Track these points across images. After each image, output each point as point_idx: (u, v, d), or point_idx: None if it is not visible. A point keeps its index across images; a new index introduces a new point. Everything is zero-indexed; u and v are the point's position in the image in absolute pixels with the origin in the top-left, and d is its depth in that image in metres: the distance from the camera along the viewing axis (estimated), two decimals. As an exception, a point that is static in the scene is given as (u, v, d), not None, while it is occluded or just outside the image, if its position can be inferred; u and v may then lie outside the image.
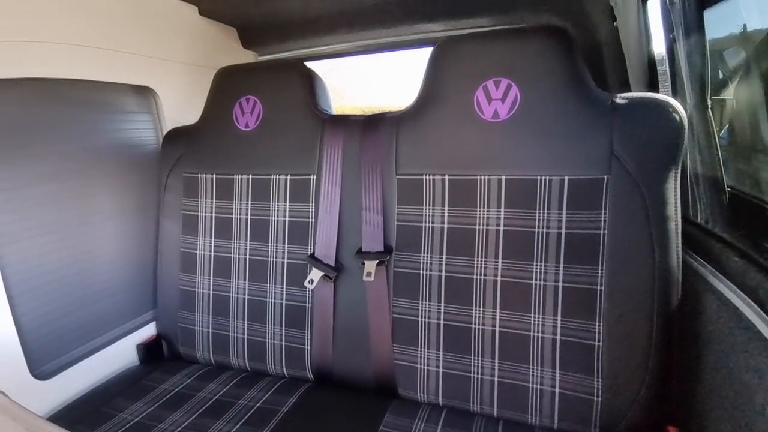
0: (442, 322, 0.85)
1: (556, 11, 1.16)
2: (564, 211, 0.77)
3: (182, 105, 1.26)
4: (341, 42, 1.52)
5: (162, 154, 1.13)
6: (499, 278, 0.81)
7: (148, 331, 1.16)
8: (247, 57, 1.54)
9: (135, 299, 1.14)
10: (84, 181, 1.00)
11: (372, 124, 0.95)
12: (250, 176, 1.02)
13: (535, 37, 0.81)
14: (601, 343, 0.75)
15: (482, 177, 0.82)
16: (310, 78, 1.03)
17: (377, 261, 0.88)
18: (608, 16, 1.03)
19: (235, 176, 1.03)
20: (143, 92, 1.16)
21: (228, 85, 1.06)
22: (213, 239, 1.05)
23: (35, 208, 0.90)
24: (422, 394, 0.88)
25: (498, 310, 0.82)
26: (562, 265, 0.77)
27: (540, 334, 0.79)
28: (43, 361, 0.91)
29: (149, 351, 1.11)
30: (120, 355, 1.08)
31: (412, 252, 0.88)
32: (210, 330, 1.05)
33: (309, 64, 1.09)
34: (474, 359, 0.83)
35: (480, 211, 0.83)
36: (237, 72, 1.08)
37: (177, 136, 1.12)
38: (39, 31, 0.88)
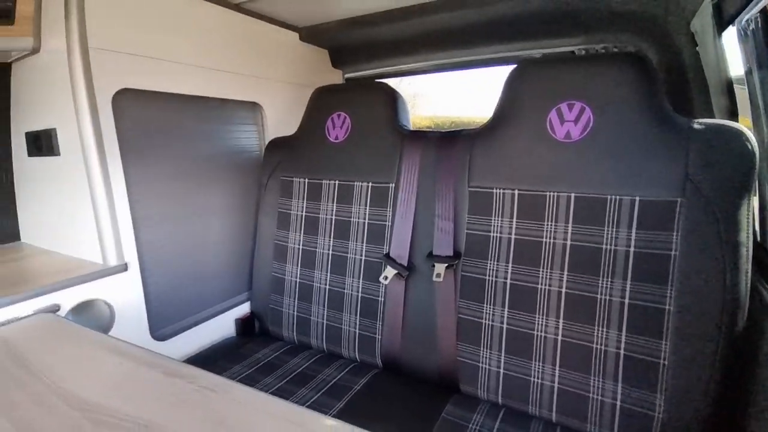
0: (505, 326, 0.92)
1: (638, 33, 1.17)
2: (633, 231, 0.81)
3: (280, 117, 1.46)
4: (422, 61, 1.65)
5: (264, 160, 1.33)
6: (563, 290, 0.87)
7: (244, 309, 1.36)
8: (335, 74, 1.73)
9: (234, 281, 1.34)
10: (200, 180, 1.22)
11: (448, 139, 1.05)
12: (337, 182, 1.17)
13: (612, 64, 0.85)
14: (665, 361, 0.77)
15: (551, 193, 0.88)
16: (394, 98, 1.16)
17: (447, 264, 0.98)
18: (690, 40, 1.03)
19: (323, 181, 1.19)
20: (252, 107, 1.37)
21: (323, 102, 1.23)
22: (302, 235, 1.21)
23: (164, 199, 1.12)
24: (482, 391, 0.95)
25: (561, 320, 0.87)
26: (629, 282, 0.81)
27: (603, 347, 0.83)
28: (160, 326, 1.12)
29: (244, 325, 1.31)
30: (221, 326, 1.29)
31: (480, 258, 0.96)
32: (295, 313, 1.21)
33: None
34: (535, 364, 0.89)
35: (547, 225, 0.88)
36: (331, 91, 1.24)
37: (277, 145, 1.31)
38: (179, 53, 1.11)
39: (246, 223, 1.36)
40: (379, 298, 1.08)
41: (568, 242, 0.86)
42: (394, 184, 1.09)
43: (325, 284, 1.17)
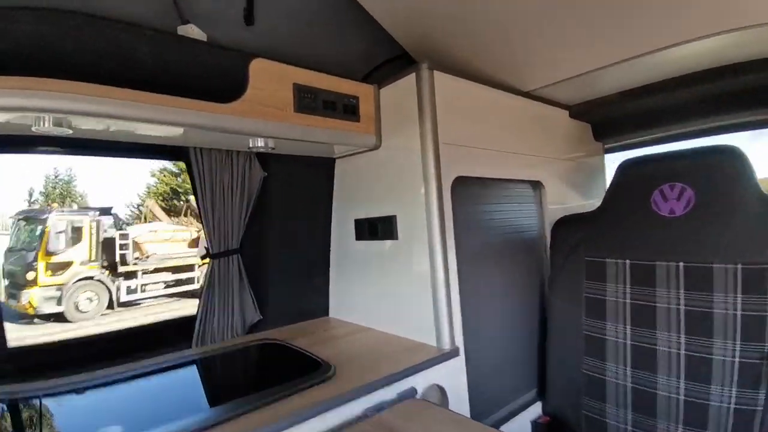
0: None
1: None
2: None
3: (554, 193, 1.38)
4: (681, 129, 1.49)
5: (554, 239, 1.23)
6: None
7: (535, 409, 1.19)
8: (596, 146, 1.63)
9: (523, 374, 1.20)
10: (496, 262, 1.18)
11: None
12: (681, 264, 0.97)
13: None
14: None
15: None
16: (747, 162, 0.95)
17: None
18: None
19: (657, 263, 1.00)
20: (534, 185, 1.34)
21: (639, 174, 1.09)
22: (629, 326, 1.02)
23: (478, 279, 1.10)
24: None
25: None
26: None
27: None
28: (478, 418, 1.02)
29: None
30: (516, 429, 1.13)
31: None
32: (629, 427, 0.98)
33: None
34: None
35: None
36: (652, 161, 1.10)
37: (571, 222, 1.21)
38: (487, 141, 1.16)
39: (529, 307, 1.26)
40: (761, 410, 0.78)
41: None
42: None
43: (677, 393, 0.92)
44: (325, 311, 1.39)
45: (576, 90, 1.36)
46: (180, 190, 14.77)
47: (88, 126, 0.81)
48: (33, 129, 0.74)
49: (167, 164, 14.86)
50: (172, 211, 14.44)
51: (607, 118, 1.55)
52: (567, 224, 1.22)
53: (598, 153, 1.64)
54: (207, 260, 1.16)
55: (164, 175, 14.86)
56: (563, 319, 1.15)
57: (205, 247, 1.17)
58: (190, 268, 8.24)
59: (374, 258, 1.19)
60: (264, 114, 0.91)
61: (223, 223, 1.15)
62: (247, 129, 0.89)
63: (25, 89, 0.66)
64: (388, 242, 1.13)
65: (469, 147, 1.10)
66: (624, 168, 1.14)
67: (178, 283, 8.06)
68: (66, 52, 0.70)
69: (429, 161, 1.00)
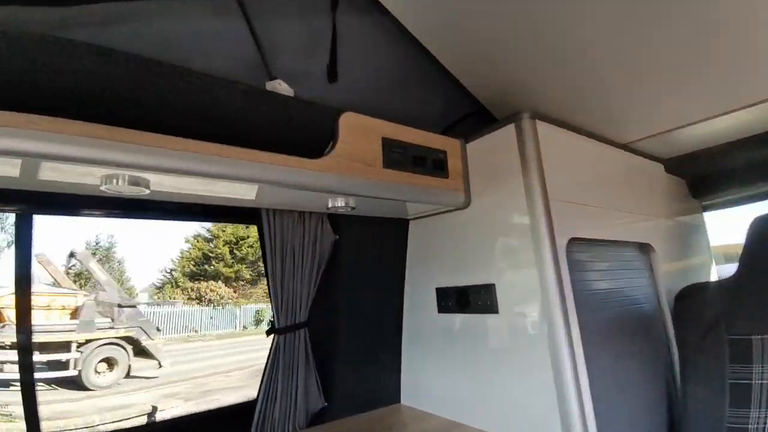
0: None
1: None
2: None
3: (663, 258, 1.19)
4: None
5: (681, 313, 1.02)
6: None
7: None
8: (694, 205, 1.45)
9: None
10: (611, 341, 0.97)
11: None
12: None
13: None
14: None
15: None
16: None
17: None
18: None
19: None
20: (643, 249, 1.15)
21: None
22: (764, 409, 0.78)
23: (605, 362, 0.89)
24: None
25: None
26: None
27: None
28: None
29: None
30: None
31: None
32: None
33: None
34: None
35: None
36: None
37: (705, 293, 1.00)
38: (599, 199, 1.02)
39: (658, 397, 1.01)
40: None
41: None
42: None
43: None
44: (395, 397, 1.18)
45: (673, 142, 1.22)
46: (211, 255, 15.07)
47: (168, 185, 0.73)
48: (102, 188, 0.65)
49: (201, 230, 15.39)
50: (202, 276, 14.62)
51: (707, 173, 1.39)
52: (698, 295, 1.01)
53: (697, 211, 1.46)
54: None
55: (197, 241, 15.29)
56: (704, 413, 0.90)
57: (270, 321, 1.02)
58: (64, 346, 5.73)
59: (463, 335, 1.01)
60: (352, 170, 0.81)
61: (292, 292, 1.01)
62: (334, 186, 0.79)
63: (97, 138, 0.57)
64: (485, 316, 0.95)
65: (578, 204, 0.95)
66: (761, 226, 0.96)
67: (48, 366, 5.63)
68: (149, 99, 0.63)
69: (540, 220, 0.86)
